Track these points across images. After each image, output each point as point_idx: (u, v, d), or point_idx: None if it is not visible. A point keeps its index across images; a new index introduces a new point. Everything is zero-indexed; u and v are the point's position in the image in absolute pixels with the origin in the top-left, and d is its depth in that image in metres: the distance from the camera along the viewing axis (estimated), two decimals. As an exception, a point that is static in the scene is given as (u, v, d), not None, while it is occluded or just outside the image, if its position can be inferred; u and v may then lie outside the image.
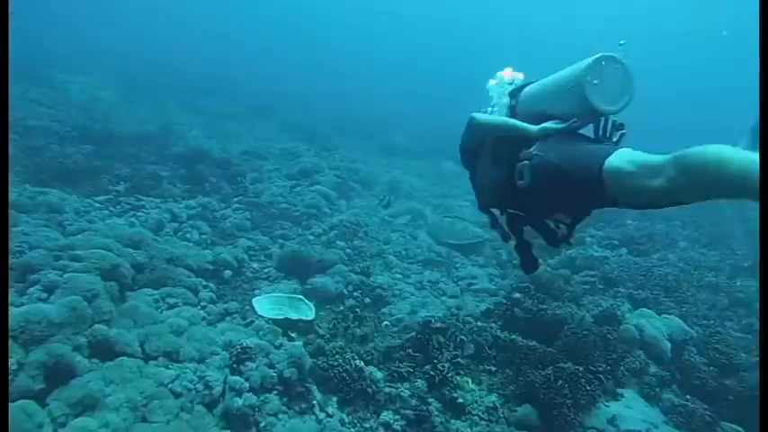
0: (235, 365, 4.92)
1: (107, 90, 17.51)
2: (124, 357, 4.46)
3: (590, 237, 10.29)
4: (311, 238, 9.09)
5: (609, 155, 1.84)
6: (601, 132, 2.27)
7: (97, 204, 8.27)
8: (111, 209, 8.35)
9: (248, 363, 4.93)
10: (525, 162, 2.19)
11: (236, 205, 9.84)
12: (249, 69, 33.25)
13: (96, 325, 4.56)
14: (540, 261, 2.72)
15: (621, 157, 1.81)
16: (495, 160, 2.49)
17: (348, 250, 8.81)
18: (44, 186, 8.01)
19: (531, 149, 2.21)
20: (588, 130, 2.33)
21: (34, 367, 3.86)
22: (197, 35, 43.91)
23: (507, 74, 2.79)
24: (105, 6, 39.71)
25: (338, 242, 9.02)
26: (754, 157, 1.43)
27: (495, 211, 2.73)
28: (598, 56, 2.15)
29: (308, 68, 41.85)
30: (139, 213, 8.40)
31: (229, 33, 47.26)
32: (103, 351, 4.46)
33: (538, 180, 2.13)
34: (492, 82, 2.83)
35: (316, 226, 9.66)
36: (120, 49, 27.99)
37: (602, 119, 2.26)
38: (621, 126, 2.21)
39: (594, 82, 2.13)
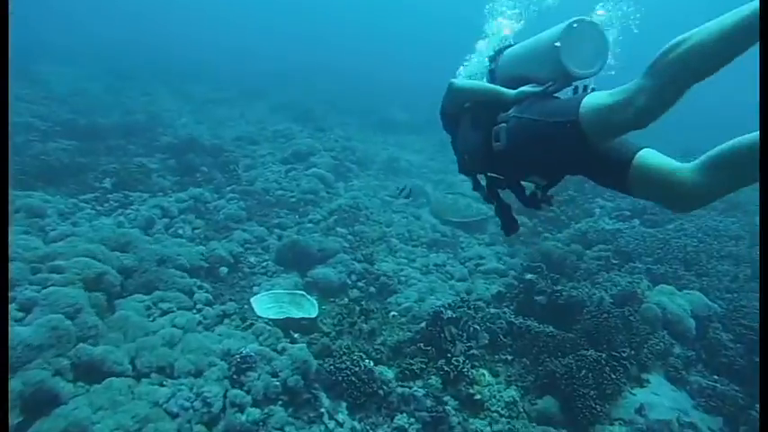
0: (235, 376, 4.57)
1: (91, 80, 16.95)
2: (113, 378, 4.10)
3: (599, 208, 9.89)
4: (310, 225, 8.69)
5: (583, 98, 1.89)
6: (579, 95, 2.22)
7: (82, 204, 7.85)
8: (97, 208, 7.94)
9: (249, 373, 4.58)
10: (502, 124, 2.22)
11: (230, 195, 9.42)
12: (237, 48, 32.42)
13: (81, 344, 4.19)
14: (519, 221, 2.72)
15: (596, 96, 1.87)
16: (473, 124, 2.48)
17: (349, 237, 8.44)
18: (26, 188, 7.59)
19: (509, 112, 2.23)
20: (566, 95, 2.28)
21: (10, 399, 3.50)
22: (182, 14, 42.91)
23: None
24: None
25: (338, 228, 8.64)
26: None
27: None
28: (572, 19, 2.13)
29: (297, 41, 40.91)
30: (128, 211, 7.98)
31: (214, 11, 46.17)
32: (90, 372, 4.10)
33: (514, 141, 2.16)
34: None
35: (314, 212, 9.26)
36: (103, 34, 27.25)
37: (579, 83, 2.22)
38: (594, 90, 2.13)
39: (569, 46, 2.13)
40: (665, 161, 1.82)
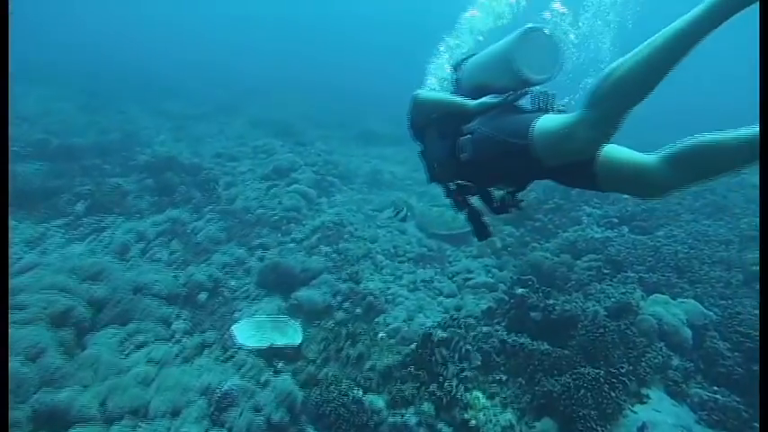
0: (215, 414, 4.28)
1: (65, 100, 16.52)
2: (79, 426, 3.78)
3: (586, 216, 9.74)
4: (292, 245, 8.42)
5: (535, 122, 1.95)
6: (538, 104, 2.24)
7: (53, 230, 7.49)
8: (69, 234, 7.58)
9: (231, 409, 4.30)
10: (467, 136, 2.27)
11: (209, 215, 9.13)
12: (219, 63, 32.18)
13: (43, 389, 3.87)
14: (491, 228, 2.76)
15: (547, 121, 1.93)
16: (440, 135, 2.53)
17: (333, 255, 8.17)
18: (-9, 216, 7.21)
19: (473, 123, 2.28)
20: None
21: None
22: (157, 30, 42.53)
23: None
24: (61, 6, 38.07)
25: (322, 247, 8.38)
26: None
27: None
28: (526, 27, 2.17)
29: (275, 56, 40.81)
30: (102, 236, 7.64)
31: (189, 27, 45.87)
32: (52, 420, 3.78)
33: (478, 152, 2.21)
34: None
35: (296, 231, 8.99)
36: (76, 53, 26.78)
37: (538, 92, 2.25)
38: (553, 96, 2.22)
39: (523, 53, 2.17)
40: (629, 154, 1.87)
